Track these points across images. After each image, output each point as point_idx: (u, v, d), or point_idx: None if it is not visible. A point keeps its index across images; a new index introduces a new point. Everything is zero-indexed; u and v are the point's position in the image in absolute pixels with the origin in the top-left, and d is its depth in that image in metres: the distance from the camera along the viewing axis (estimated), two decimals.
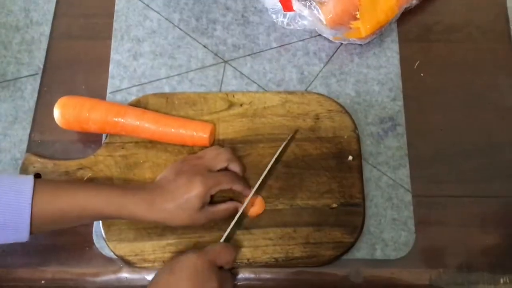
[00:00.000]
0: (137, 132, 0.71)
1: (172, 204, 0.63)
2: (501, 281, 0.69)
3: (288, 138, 0.72)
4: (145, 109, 0.73)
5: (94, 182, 0.71)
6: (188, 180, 0.64)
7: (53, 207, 0.60)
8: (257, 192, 0.69)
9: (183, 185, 0.64)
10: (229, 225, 0.67)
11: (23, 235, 0.59)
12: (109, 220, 0.69)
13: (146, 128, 0.71)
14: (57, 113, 0.71)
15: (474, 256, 0.70)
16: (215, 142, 0.73)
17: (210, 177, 0.66)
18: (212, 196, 0.66)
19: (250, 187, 0.70)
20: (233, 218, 0.68)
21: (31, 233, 0.59)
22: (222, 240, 0.67)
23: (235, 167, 0.69)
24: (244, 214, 0.69)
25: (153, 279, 0.62)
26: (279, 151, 0.71)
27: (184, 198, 0.63)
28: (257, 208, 0.69)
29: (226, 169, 0.69)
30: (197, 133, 0.71)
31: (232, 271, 0.69)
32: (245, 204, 0.68)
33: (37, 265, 0.70)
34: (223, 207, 0.67)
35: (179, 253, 0.68)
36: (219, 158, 0.69)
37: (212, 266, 0.62)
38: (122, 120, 0.71)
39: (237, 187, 0.68)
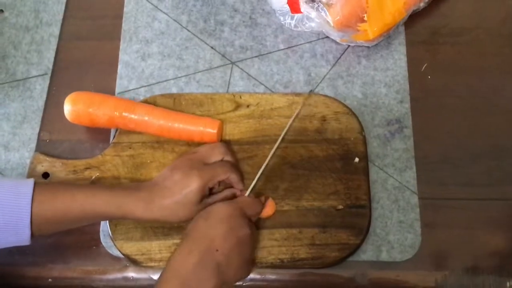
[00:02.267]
0: (145, 127, 0.72)
1: (171, 201, 0.63)
2: (508, 284, 0.69)
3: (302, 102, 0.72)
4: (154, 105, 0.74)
5: (94, 184, 0.71)
6: (184, 175, 0.64)
7: (52, 208, 0.60)
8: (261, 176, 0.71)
9: (179, 180, 0.64)
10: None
11: (23, 238, 0.59)
12: (116, 219, 0.69)
13: (154, 123, 0.71)
14: (67, 107, 0.72)
15: (480, 259, 0.70)
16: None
17: (206, 170, 0.66)
18: (211, 189, 0.67)
19: (243, 178, 0.70)
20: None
21: (32, 235, 0.59)
22: (247, 193, 0.68)
23: (229, 159, 0.70)
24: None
25: (188, 226, 0.63)
26: (293, 117, 0.72)
27: (182, 194, 0.63)
28: (268, 209, 0.70)
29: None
30: (205, 129, 0.71)
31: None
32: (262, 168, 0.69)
33: (44, 263, 0.70)
34: (221, 196, 0.68)
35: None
36: (214, 152, 0.69)
37: (243, 214, 0.64)
38: (132, 115, 0.71)
39: (233, 177, 0.68)
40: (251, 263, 0.67)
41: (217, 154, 0.69)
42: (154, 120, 0.71)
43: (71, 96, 0.73)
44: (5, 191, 0.59)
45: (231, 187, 0.69)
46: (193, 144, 0.73)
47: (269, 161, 0.71)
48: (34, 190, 0.59)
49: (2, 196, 0.58)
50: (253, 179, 0.70)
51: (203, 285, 0.58)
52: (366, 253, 0.70)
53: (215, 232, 0.61)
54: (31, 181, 0.60)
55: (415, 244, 0.70)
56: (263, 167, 0.70)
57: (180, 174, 0.65)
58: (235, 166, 0.70)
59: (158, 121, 0.71)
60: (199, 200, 0.64)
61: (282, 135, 0.72)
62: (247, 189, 0.69)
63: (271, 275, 0.70)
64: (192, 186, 0.64)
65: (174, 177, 0.65)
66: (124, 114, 0.71)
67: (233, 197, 0.69)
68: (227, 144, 0.72)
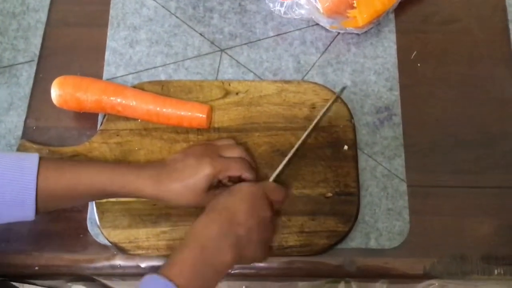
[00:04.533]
0: (134, 112, 0.71)
1: (179, 184, 0.63)
2: (495, 272, 0.69)
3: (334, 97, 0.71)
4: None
5: (100, 160, 0.71)
6: (197, 161, 0.64)
7: (58, 183, 0.60)
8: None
9: (191, 166, 0.64)
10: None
11: (29, 213, 0.59)
12: (103, 207, 0.69)
13: (143, 108, 0.71)
14: (54, 91, 0.71)
15: (468, 247, 0.70)
16: (211, 130, 0.73)
17: (220, 160, 0.65)
18: (220, 182, 0.66)
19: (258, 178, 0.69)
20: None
21: (36, 211, 0.59)
22: (271, 179, 0.68)
23: (247, 159, 0.69)
24: None
25: (210, 202, 0.62)
26: (320, 114, 0.71)
27: (191, 179, 0.63)
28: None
29: None
30: (194, 113, 0.71)
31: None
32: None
33: (31, 251, 0.70)
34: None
35: (174, 241, 0.68)
36: (233, 147, 0.69)
37: (267, 197, 0.64)
38: (120, 99, 0.70)
39: (247, 176, 0.67)
40: (269, 248, 0.66)
41: (235, 150, 0.68)
42: (142, 104, 0.71)
43: (58, 80, 0.72)
44: (9, 166, 0.58)
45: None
46: (181, 130, 0.72)
47: (258, 148, 0.71)
48: (39, 166, 0.59)
49: (7, 171, 0.58)
50: None
51: (221, 255, 0.58)
52: (355, 241, 0.70)
53: (238, 207, 0.61)
54: (35, 156, 0.60)
55: (403, 232, 0.70)
56: (290, 154, 0.70)
57: (193, 159, 0.64)
58: (252, 167, 0.69)
59: (147, 105, 0.71)
60: (206, 188, 0.63)
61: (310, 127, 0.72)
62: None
63: (259, 263, 0.69)
64: (202, 172, 0.63)
65: (186, 162, 0.64)
66: (112, 98, 0.70)
67: None
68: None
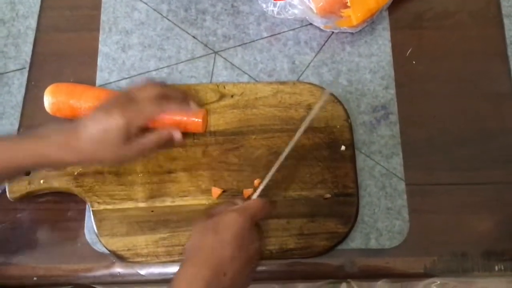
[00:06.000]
0: None
1: (89, 142, 0.58)
2: (496, 268, 0.69)
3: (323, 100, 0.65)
4: None
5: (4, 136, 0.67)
6: (104, 113, 0.60)
7: None
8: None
9: (99, 120, 0.59)
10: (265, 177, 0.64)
11: None
12: (100, 215, 0.68)
13: None
14: (47, 99, 0.71)
15: (468, 244, 0.70)
16: (207, 134, 0.72)
17: (131, 107, 0.61)
18: (147, 129, 0.62)
19: (188, 101, 0.66)
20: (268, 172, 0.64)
21: None
22: (255, 196, 0.63)
23: (171, 93, 0.65)
24: None
25: (195, 235, 0.57)
26: (311, 116, 0.64)
27: (99, 133, 0.59)
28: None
29: None
30: (190, 118, 0.69)
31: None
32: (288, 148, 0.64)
33: (29, 262, 0.69)
34: (155, 137, 0.63)
35: (173, 247, 0.67)
36: (144, 88, 0.64)
37: (253, 224, 0.58)
38: None
39: (171, 107, 0.63)
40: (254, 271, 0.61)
41: (148, 90, 0.63)
42: None
43: (51, 87, 0.71)
44: None
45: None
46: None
47: (255, 151, 0.70)
48: None
49: None
50: (240, 170, 0.70)
51: None
52: (355, 241, 0.70)
53: (224, 252, 0.55)
54: None
55: (403, 231, 0.70)
56: (276, 165, 0.65)
57: (101, 113, 0.60)
58: (173, 94, 0.65)
59: None
60: (122, 141, 0.59)
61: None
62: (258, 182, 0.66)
63: (260, 266, 0.69)
64: (112, 122, 0.58)
65: (94, 117, 0.60)
66: None
67: (170, 139, 0.64)
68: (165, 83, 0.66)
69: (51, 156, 0.59)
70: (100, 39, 0.79)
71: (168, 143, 0.65)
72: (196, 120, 0.70)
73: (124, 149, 0.60)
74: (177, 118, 0.69)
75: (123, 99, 0.62)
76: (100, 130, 0.59)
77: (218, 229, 0.56)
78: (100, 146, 0.59)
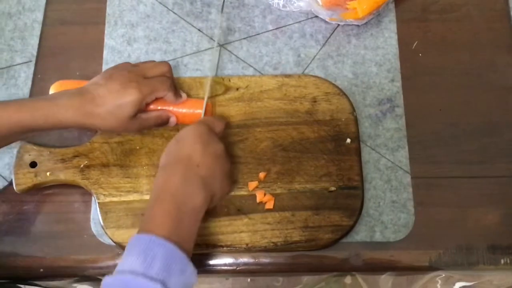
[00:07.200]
0: None
1: (103, 109, 0.63)
2: (502, 261, 0.69)
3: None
4: None
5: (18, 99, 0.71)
6: (122, 86, 0.63)
7: None
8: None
9: (116, 91, 0.63)
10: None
11: None
12: (106, 207, 0.68)
13: None
14: None
15: (473, 237, 0.70)
16: None
17: (146, 83, 0.65)
18: (147, 105, 0.66)
19: (180, 96, 0.70)
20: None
21: None
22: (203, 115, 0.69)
23: (170, 77, 0.69)
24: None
25: (162, 156, 0.62)
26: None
27: (116, 104, 0.63)
28: (268, 204, 0.69)
29: None
30: (195, 111, 0.70)
31: None
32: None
33: (36, 253, 0.69)
34: (156, 114, 0.68)
35: None
36: (156, 66, 0.68)
37: (212, 131, 0.64)
38: None
39: (170, 95, 0.67)
40: (232, 178, 0.67)
41: (159, 68, 0.68)
42: None
43: (56, 84, 0.72)
44: None
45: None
46: (182, 127, 0.71)
47: (260, 144, 0.71)
48: None
49: None
50: (245, 163, 0.70)
51: (192, 199, 0.58)
52: (360, 234, 0.70)
53: (190, 150, 0.61)
54: None
55: (408, 224, 0.70)
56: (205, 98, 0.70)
57: (117, 84, 0.64)
58: (173, 85, 0.68)
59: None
60: (133, 114, 0.64)
61: None
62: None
63: (264, 259, 0.69)
64: (129, 98, 0.63)
65: (109, 86, 0.64)
66: None
67: (167, 118, 0.69)
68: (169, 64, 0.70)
69: (66, 120, 0.62)
70: (105, 32, 0.80)
71: (163, 123, 0.69)
72: (202, 112, 0.70)
73: (130, 121, 0.65)
74: (182, 111, 0.70)
75: (137, 77, 0.65)
76: (116, 104, 0.63)
77: (179, 139, 0.62)
78: (112, 117, 0.63)
